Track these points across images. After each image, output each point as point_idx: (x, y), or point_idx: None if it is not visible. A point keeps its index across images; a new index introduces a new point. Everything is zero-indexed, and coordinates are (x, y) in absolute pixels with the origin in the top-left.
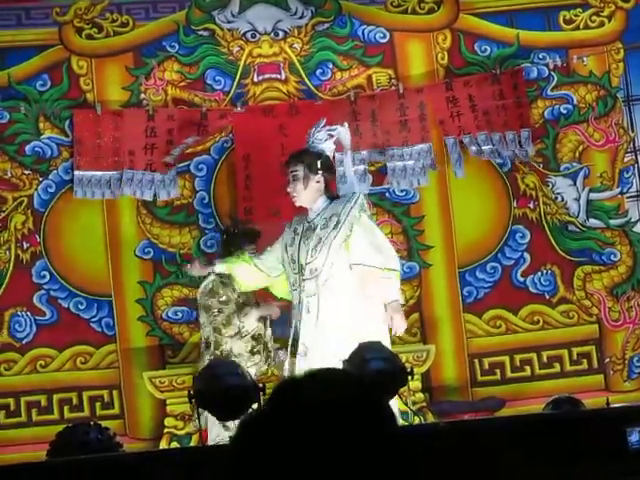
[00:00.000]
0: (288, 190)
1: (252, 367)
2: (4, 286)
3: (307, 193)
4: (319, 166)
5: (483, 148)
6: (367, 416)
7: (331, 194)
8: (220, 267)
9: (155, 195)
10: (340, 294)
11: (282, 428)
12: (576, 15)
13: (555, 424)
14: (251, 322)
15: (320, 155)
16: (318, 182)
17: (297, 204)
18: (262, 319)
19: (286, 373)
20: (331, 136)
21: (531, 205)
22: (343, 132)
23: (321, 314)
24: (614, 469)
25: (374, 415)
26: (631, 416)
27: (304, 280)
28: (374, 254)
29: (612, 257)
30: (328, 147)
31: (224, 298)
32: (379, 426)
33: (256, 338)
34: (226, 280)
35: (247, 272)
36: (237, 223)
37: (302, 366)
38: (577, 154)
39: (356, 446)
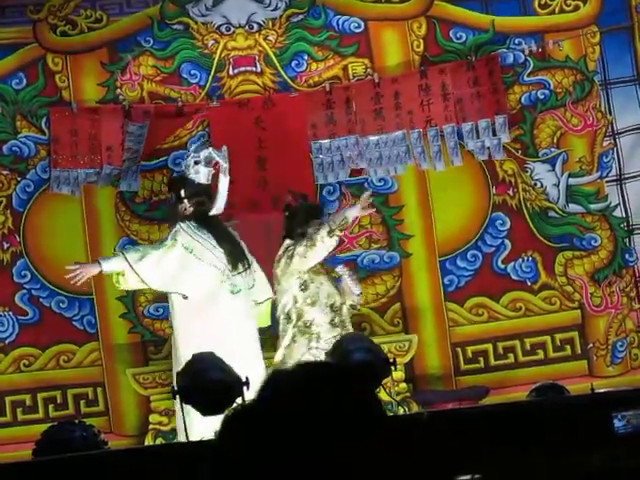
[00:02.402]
0: None
1: (331, 340)
2: None
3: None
4: (184, 195)
5: (448, 143)
6: (354, 406)
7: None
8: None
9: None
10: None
11: (269, 423)
12: None
13: (540, 411)
14: (325, 291)
15: (188, 184)
16: (183, 210)
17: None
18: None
19: None
20: (196, 163)
21: (510, 192)
22: (215, 155)
23: None
24: (600, 455)
25: (361, 404)
26: (616, 401)
27: None
28: None
29: (593, 242)
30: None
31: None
32: (367, 415)
33: (335, 310)
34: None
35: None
36: (301, 199)
37: None
38: (555, 139)
39: (344, 436)
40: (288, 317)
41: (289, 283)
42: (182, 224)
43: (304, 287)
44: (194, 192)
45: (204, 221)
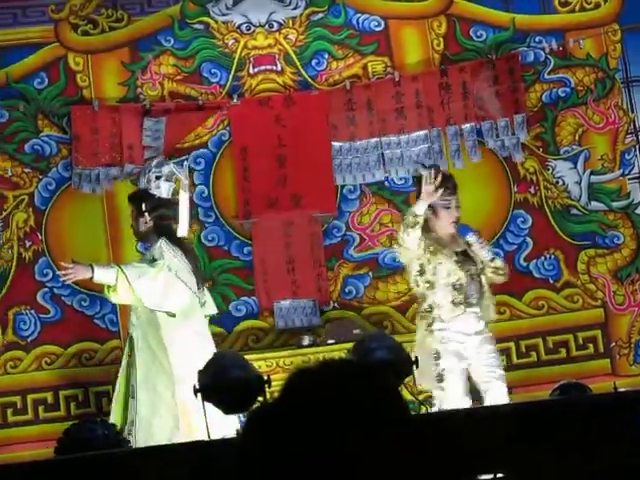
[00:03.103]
0: None
1: (453, 320)
2: (7, 285)
3: (138, 233)
4: (144, 208)
5: (467, 142)
6: (376, 403)
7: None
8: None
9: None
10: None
11: (294, 421)
12: None
13: (563, 410)
14: (444, 270)
15: (148, 197)
16: (144, 223)
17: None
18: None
19: None
20: (157, 177)
21: (532, 190)
22: (176, 170)
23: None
24: (625, 453)
25: (382, 402)
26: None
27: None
28: None
29: (615, 240)
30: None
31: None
32: (388, 412)
33: (457, 288)
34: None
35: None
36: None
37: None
38: (577, 137)
39: (367, 434)
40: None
41: (411, 268)
42: (162, 241)
43: (421, 271)
44: (155, 206)
45: (171, 237)
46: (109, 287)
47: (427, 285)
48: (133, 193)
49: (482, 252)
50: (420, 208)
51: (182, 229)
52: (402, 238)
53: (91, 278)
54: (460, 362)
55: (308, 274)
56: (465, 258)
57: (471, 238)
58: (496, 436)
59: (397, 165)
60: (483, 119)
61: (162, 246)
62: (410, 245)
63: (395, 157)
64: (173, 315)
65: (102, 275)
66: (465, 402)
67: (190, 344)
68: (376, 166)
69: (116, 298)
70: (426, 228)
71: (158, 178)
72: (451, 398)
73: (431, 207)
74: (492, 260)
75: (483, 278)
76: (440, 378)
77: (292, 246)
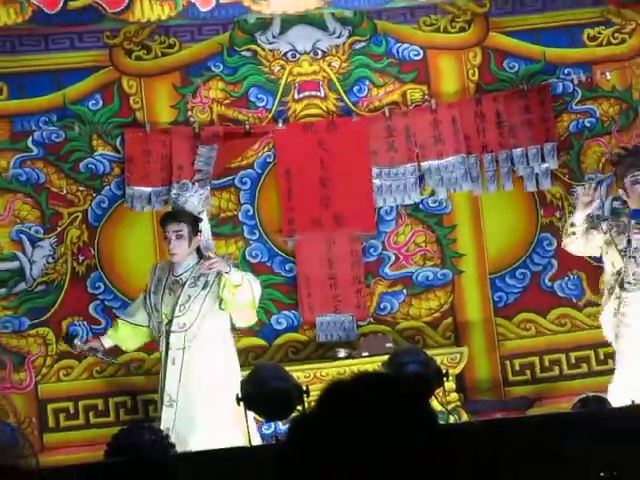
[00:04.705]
0: (168, 247)
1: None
2: (61, 297)
3: (187, 252)
4: (199, 228)
5: (502, 169)
6: (407, 414)
7: (200, 253)
8: (105, 340)
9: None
10: (209, 348)
11: (331, 433)
12: (599, 32)
13: (584, 422)
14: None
15: (199, 217)
16: (198, 242)
17: (174, 260)
18: None
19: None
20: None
21: (557, 214)
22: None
23: (188, 367)
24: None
25: (413, 413)
26: None
27: (171, 332)
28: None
29: None
30: (196, 207)
31: None
32: (418, 422)
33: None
34: None
35: (129, 333)
36: None
37: (169, 416)
38: (600, 165)
39: (401, 445)
40: None
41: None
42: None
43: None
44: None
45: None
46: (235, 286)
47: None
48: (184, 211)
49: None
50: (578, 218)
51: (209, 248)
52: (564, 244)
53: (227, 272)
54: None
55: (349, 290)
56: None
57: None
58: (520, 446)
59: (438, 186)
60: (515, 146)
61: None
62: (575, 252)
63: (435, 180)
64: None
65: (235, 273)
66: None
67: None
68: (413, 188)
69: (233, 298)
70: None
71: (189, 199)
72: None
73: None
74: None
75: None
76: None
77: (334, 263)
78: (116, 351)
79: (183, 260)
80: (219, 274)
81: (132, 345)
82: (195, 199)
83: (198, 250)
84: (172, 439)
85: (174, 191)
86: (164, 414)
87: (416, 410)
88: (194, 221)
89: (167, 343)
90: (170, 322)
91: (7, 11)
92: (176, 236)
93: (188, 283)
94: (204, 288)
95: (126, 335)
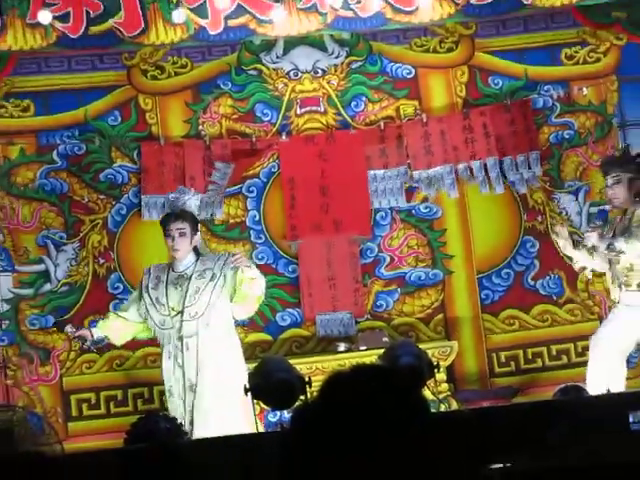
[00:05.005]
0: (170, 244)
1: None
2: (84, 297)
3: (189, 248)
4: (198, 227)
5: (490, 174)
6: (402, 402)
7: (197, 251)
8: (95, 331)
9: (210, 213)
10: (217, 336)
11: (331, 421)
12: (576, 52)
13: (564, 409)
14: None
15: (197, 217)
16: (195, 240)
17: (177, 256)
18: None
19: (180, 408)
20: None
21: (539, 218)
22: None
23: (201, 351)
24: (617, 449)
25: (407, 401)
26: (631, 401)
27: (184, 321)
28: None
29: None
30: (193, 210)
31: None
32: (412, 410)
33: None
34: None
35: (120, 326)
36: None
37: (191, 400)
38: (578, 173)
39: (396, 431)
40: None
41: None
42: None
43: None
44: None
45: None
46: (251, 279)
47: None
48: (187, 211)
49: None
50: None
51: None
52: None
53: (249, 266)
54: None
55: (347, 290)
56: None
57: None
58: (505, 432)
59: (427, 193)
60: (503, 155)
61: (222, 260)
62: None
63: (424, 185)
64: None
65: (254, 267)
66: None
67: None
68: (400, 193)
69: (249, 292)
70: None
71: (187, 202)
72: None
73: None
74: None
75: None
76: None
77: (333, 265)
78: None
79: (184, 257)
80: (226, 268)
81: (120, 338)
82: (192, 202)
83: (194, 248)
84: (192, 420)
85: (173, 195)
86: (187, 398)
87: (410, 399)
88: (194, 221)
89: (180, 332)
90: (181, 313)
91: (34, 36)
92: (179, 234)
93: (194, 276)
94: (212, 280)
95: (116, 328)
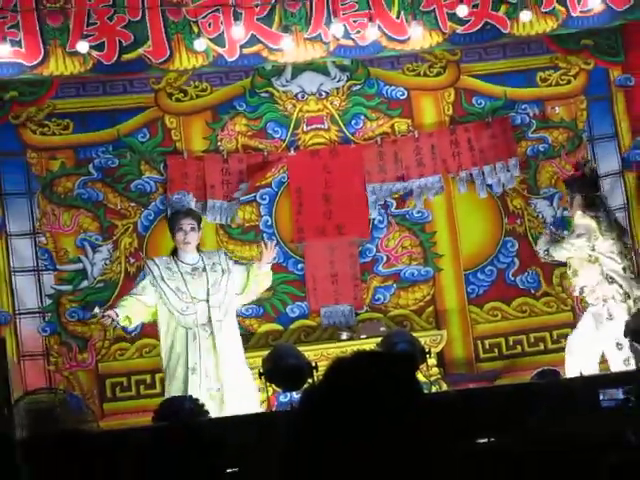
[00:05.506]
0: (182, 237)
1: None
2: (117, 292)
3: (197, 242)
4: (201, 225)
5: (476, 182)
6: (398, 383)
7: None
8: (119, 310)
9: (226, 219)
10: (233, 321)
11: (335, 401)
12: (550, 75)
13: (541, 390)
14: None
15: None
16: (200, 236)
17: (187, 249)
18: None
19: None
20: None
21: (518, 221)
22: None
23: (222, 335)
24: (590, 423)
25: (403, 383)
26: (600, 382)
27: (211, 307)
28: None
29: None
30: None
31: None
32: (407, 390)
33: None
34: None
35: (139, 309)
36: (589, 169)
37: (195, 382)
38: (553, 181)
39: (394, 414)
40: None
41: None
42: (222, 252)
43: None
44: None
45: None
46: (266, 274)
47: None
48: (193, 210)
49: None
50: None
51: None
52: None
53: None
54: None
55: (347, 285)
56: None
57: None
58: (489, 410)
59: (418, 199)
60: (486, 163)
61: (222, 256)
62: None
63: (417, 195)
64: None
65: (268, 265)
66: None
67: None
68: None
69: (263, 285)
70: None
71: (187, 204)
72: None
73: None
74: None
75: None
76: None
77: (335, 264)
78: None
79: (193, 250)
80: (230, 263)
81: (136, 319)
82: (192, 204)
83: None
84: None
85: (175, 196)
86: (190, 380)
87: (405, 380)
88: (200, 219)
89: (208, 318)
90: (207, 301)
91: (73, 63)
92: (191, 228)
93: (209, 269)
94: (224, 273)
95: (136, 310)
